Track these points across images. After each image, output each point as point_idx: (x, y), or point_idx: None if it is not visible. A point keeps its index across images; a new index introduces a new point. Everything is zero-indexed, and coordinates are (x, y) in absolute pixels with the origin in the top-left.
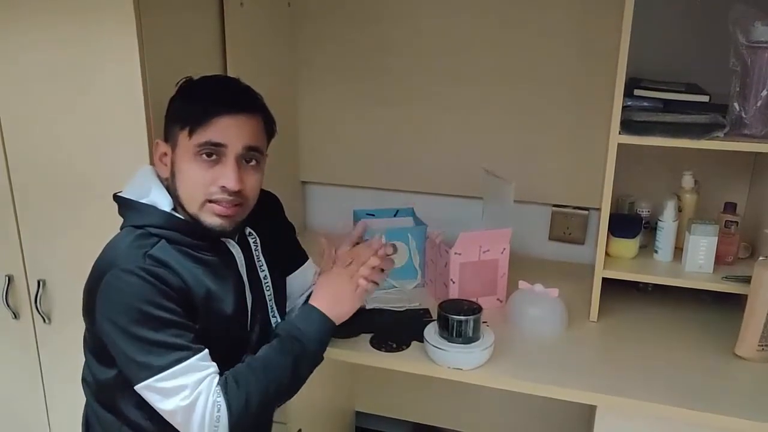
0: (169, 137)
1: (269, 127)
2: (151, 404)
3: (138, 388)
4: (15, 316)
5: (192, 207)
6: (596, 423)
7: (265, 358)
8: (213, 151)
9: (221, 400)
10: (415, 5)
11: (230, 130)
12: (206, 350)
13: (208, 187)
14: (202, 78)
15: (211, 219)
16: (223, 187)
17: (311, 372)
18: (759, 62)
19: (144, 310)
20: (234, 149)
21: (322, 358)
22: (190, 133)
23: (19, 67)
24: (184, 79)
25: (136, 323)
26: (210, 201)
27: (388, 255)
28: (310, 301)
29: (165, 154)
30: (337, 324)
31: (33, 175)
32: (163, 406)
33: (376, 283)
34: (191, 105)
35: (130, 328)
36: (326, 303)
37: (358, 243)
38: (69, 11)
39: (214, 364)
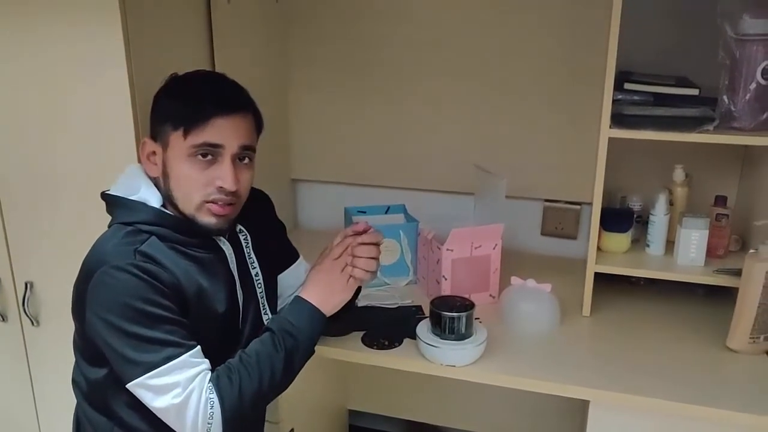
0: (158, 136)
1: (258, 123)
2: (143, 402)
3: (130, 386)
4: (3, 319)
5: (188, 208)
6: (589, 417)
7: (257, 352)
8: (209, 152)
9: (214, 396)
10: (405, 1)
11: (226, 131)
12: (198, 347)
13: (205, 188)
14: (190, 75)
15: (207, 219)
16: (221, 187)
17: (303, 365)
18: (747, 55)
19: (136, 307)
20: (230, 149)
21: (314, 351)
22: (185, 134)
23: (2, 66)
24: (170, 76)
25: (127, 320)
26: (207, 202)
27: (375, 242)
28: (301, 294)
29: (154, 153)
30: (328, 315)
31: (19, 176)
32: (156, 404)
33: (373, 273)
34: (184, 105)
35: (122, 325)
36: (316, 295)
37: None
38: (54, 10)
39: (206, 360)
